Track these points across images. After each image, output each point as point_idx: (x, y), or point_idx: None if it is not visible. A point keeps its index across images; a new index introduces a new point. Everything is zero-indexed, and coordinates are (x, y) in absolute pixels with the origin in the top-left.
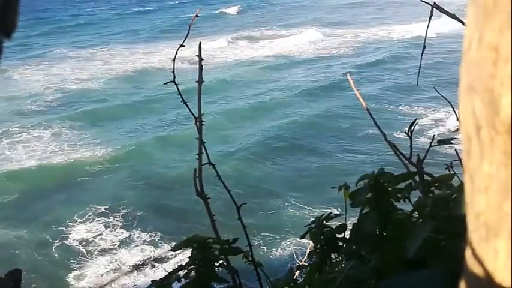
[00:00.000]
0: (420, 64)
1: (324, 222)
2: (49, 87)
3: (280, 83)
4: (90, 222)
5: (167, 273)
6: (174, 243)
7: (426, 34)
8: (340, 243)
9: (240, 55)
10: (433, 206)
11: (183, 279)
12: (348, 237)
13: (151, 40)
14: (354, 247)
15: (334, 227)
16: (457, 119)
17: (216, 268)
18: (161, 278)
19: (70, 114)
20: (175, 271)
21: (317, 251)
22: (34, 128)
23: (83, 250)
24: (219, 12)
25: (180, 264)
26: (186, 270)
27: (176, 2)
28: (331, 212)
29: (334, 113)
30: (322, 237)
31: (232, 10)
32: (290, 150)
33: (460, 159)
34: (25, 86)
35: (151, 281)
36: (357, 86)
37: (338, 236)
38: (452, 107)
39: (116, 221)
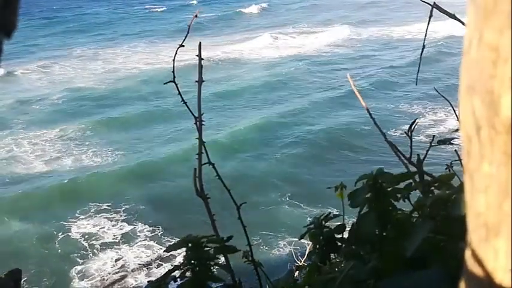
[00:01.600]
0: (419, 64)
1: (323, 222)
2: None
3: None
4: (93, 219)
5: (163, 274)
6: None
7: (426, 34)
8: (340, 244)
9: (288, 52)
10: (432, 206)
11: (178, 279)
12: (347, 237)
13: (177, 39)
14: (353, 247)
15: (333, 227)
16: (457, 119)
17: (212, 267)
18: (157, 279)
19: (80, 116)
20: (170, 271)
21: (316, 251)
22: (40, 128)
23: (87, 245)
24: (238, 11)
25: (175, 264)
26: (181, 270)
27: (194, 2)
28: (330, 212)
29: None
30: (321, 237)
31: (254, 9)
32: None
33: (460, 159)
34: (31, 87)
35: (148, 281)
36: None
37: (337, 236)
38: (453, 107)
39: (120, 217)
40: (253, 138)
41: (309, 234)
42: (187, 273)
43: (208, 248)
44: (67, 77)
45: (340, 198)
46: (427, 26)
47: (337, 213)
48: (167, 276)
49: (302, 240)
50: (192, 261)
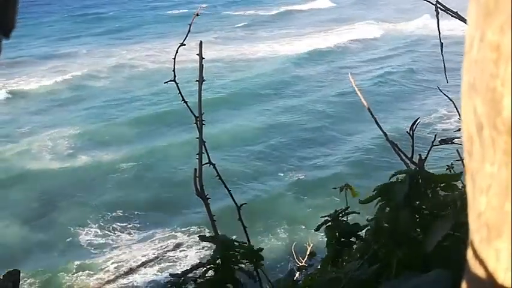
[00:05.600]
0: (443, 61)
1: (340, 216)
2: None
3: None
4: (100, 221)
5: (185, 269)
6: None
7: (439, 32)
8: (355, 239)
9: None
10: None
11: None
12: (366, 233)
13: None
14: (369, 244)
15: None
16: (459, 118)
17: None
18: (178, 274)
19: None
20: (194, 268)
21: (331, 244)
22: (53, 127)
23: (90, 246)
24: (287, 9)
25: (199, 262)
26: (204, 268)
27: (224, 1)
28: (348, 207)
29: None
30: (337, 232)
31: (320, 5)
32: None
33: (461, 159)
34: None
35: (170, 274)
36: None
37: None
38: (456, 107)
39: (126, 220)
40: None
41: (325, 228)
42: (209, 273)
43: (236, 252)
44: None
45: (356, 196)
46: (438, 24)
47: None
48: (190, 272)
49: (303, 240)
50: (218, 261)
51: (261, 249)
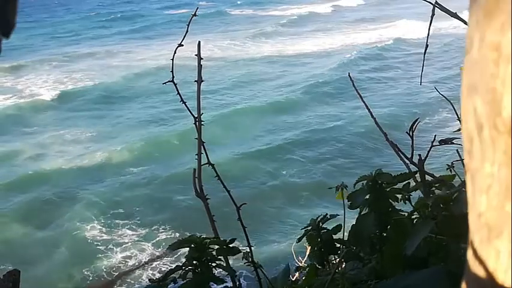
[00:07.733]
0: (423, 63)
1: (321, 224)
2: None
3: None
4: (99, 221)
5: (164, 273)
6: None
7: (428, 33)
8: (338, 245)
9: None
10: (433, 206)
11: (179, 280)
12: (345, 238)
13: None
14: (353, 249)
15: (330, 227)
16: (458, 119)
17: (214, 268)
18: (158, 278)
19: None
20: (172, 271)
21: (315, 253)
22: (58, 125)
23: (89, 247)
24: (333, 5)
25: (177, 264)
26: (183, 271)
27: (239, 2)
28: (326, 214)
29: None
30: (319, 239)
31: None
32: None
33: (461, 159)
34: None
35: (149, 280)
36: None
37: (335, 237)
38: (454, 108)
39: (126, 220)
40: None
41: (306, 237)
42: (189, 274)
43: (211, 249)
44: None
45: (341, 199)
46: (430, 25)
47: (334, 214)
48: (168, 276)
49: (303, 240)
50: (194, 262)
51: (234, 240)
